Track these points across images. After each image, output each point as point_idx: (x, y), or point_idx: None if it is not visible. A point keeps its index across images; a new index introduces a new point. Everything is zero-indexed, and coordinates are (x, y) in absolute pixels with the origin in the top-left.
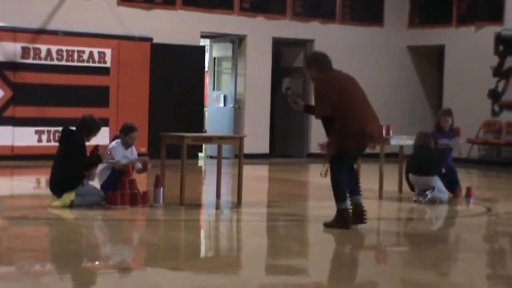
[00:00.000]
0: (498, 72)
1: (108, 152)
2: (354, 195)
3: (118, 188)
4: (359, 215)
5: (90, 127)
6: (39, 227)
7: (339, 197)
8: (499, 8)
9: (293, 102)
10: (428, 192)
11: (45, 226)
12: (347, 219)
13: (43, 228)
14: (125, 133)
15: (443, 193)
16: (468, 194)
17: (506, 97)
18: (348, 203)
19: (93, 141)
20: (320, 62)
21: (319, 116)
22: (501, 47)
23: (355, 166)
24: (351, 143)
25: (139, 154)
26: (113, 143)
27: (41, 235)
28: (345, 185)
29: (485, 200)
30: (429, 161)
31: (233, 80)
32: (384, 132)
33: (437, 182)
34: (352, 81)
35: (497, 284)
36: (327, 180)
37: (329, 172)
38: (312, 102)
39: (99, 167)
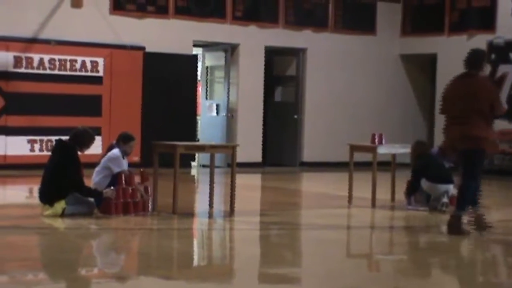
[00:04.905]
0: (490, 80)
1: (111, 187)
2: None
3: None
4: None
5: (84, 139)
6: (31, 236)
7: (457, 203)
8: (491, 16)
9: None
10: (444, 200)
11: (38, 235)
12: (451, 225)
13: (36, 237)
14: (124, 142)
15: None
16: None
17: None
18: (463, 211)
19: (87, 153)
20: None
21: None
22: (493, 56)
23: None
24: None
25: (132, 163)
26: (115, 152)
27: (33, 244)
28: (468, 192)
29: None
30: (445, 168)
31: (226, 89)
32: (376, 140)
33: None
34: (460, 90)
35: None
36: (319, 189)
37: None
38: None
39: (97, 177)
